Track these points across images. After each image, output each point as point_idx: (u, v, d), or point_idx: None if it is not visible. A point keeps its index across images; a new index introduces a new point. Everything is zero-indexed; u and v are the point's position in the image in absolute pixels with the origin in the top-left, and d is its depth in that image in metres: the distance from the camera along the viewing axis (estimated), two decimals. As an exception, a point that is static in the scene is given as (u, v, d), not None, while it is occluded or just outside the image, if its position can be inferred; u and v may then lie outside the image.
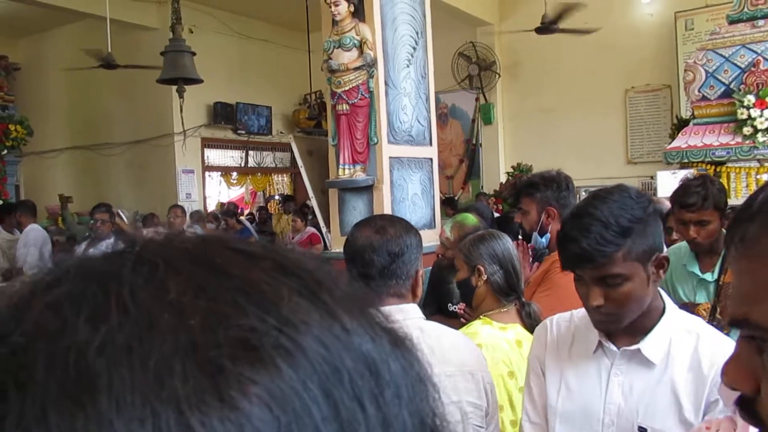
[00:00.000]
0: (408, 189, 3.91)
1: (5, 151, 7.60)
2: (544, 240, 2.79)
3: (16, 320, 0.29)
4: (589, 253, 1.30)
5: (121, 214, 6.58)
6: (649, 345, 1.37)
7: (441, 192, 6.07)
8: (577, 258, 1.34)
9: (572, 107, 8.99)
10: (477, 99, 9.93)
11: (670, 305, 1.43)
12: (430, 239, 3.92)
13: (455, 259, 2.35)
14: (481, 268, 2.19)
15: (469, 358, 1.70)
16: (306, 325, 0.31)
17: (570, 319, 1.57)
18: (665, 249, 1.48)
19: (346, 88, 3.74)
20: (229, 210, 8.77)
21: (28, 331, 0.28)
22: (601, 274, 1.31)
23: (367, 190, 3.77)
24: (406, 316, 1.63)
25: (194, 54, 6.18)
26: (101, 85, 8.94)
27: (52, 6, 8.07)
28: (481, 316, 2.20)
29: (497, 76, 9.61)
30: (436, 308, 3.07)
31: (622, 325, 1.37)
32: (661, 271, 1.36)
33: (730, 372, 0.62)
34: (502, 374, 1.99)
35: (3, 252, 6.34)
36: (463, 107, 10.20)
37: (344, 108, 3.75)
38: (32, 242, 6.21)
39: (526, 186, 2.78)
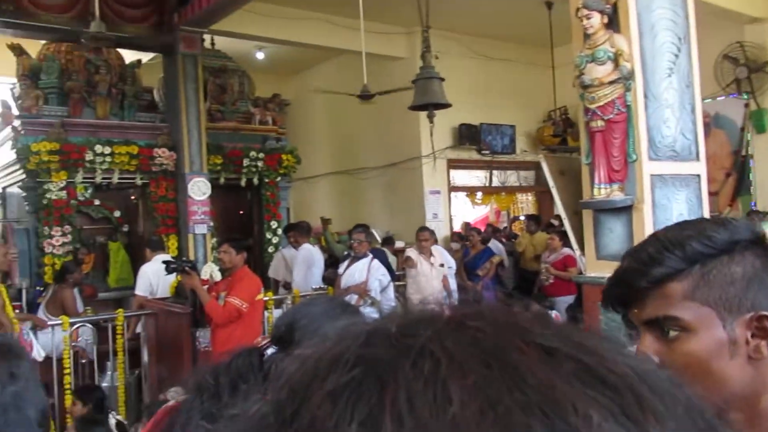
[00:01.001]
0: (672, 209, 3.58)
1: (279, 178, 8.55)
2: None
3: (295, 407, 0.29)
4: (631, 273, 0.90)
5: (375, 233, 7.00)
6: None
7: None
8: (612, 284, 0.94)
9: None
10: (747, 105, 8.85)
11: None
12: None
13: None
14: None
15: None
16: None
17: None
18: None
19: (601, 104, 3.56)
20: (485, 229, 8.90)
21: (304, 426, 0.28)
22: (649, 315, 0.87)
23: (625, 210, 3.53)
24: None
25: (443, 80, 6.39)
26: (357, 114, 9.68)
27: (316, 46, 8.97)
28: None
29: (772, 77, 8.48)
30: None
31: None
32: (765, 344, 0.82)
33: None
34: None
35: (287, 266, 7.13)
36: (729, 115, 9.15)
37: (599, 124, 3.56)
38: (301, 260, 6.87)
39: None
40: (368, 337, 0.32)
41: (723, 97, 8.92)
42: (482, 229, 9.25)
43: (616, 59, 3.53)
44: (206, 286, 5.04)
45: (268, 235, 8.47)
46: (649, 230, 3.48)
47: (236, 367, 1.13)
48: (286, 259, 7.26)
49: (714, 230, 0.86)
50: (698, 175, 3.73)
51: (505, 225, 11.08)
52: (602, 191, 3.57)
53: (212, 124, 8.09)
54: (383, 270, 6.04)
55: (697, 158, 3.73)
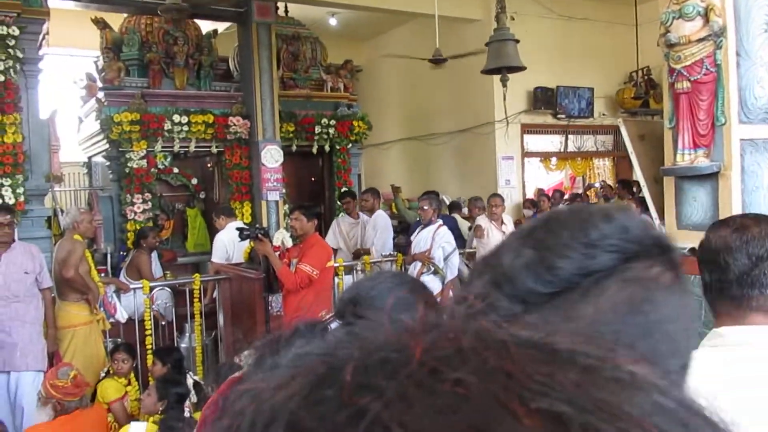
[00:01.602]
0: (763, 176, 3.33)
1: (350, 145, 8.56)
2: None
3: None
4: None
5: (446, 198, 6.90)
6: None
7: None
8: None
9: None
10: None
11: None
12: (793, 235, 3.31)
13: None
14: None
15: None
16: None
17: None
18: None
19: (688, 63, 3.32)
20: (554, 195, 8.63)
21: None
22: None
23: (710, 178, 3.31)
24: None
25: (517, 41, 6.18)
26: (428, 79, 9.53)
27: (388, 10, 8.84)
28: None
29: None
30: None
31: None
32: None
33: None
34: None
35: (345, 235, 7.14)
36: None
37: (685, 86, 3.34)
38: (380, 226, 6.89)
39: None
40: (313, 389, 0.26)
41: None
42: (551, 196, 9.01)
43: (706, 14, 3.28)
44: (278, 253, 5.13)
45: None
46: (737, 198, 3.27)
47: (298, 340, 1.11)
48: (341, 226, 7.24)
49: None
50: (794, 139, 3.46)
51: (579, 191, 10.69)
52: (686, 157, 3.36)
53: (285, 92, 8.15)
54: (448, 237, 5.97)
55: (794, 121, 3.46)
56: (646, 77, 9.68)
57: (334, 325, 1.23)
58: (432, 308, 0.30)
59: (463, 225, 7.68)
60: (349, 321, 1.24)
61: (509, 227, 6.99)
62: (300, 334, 1.18)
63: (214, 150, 7.56)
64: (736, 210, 3.26)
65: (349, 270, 6.64)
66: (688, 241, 3.42)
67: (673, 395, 0.26)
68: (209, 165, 8.04)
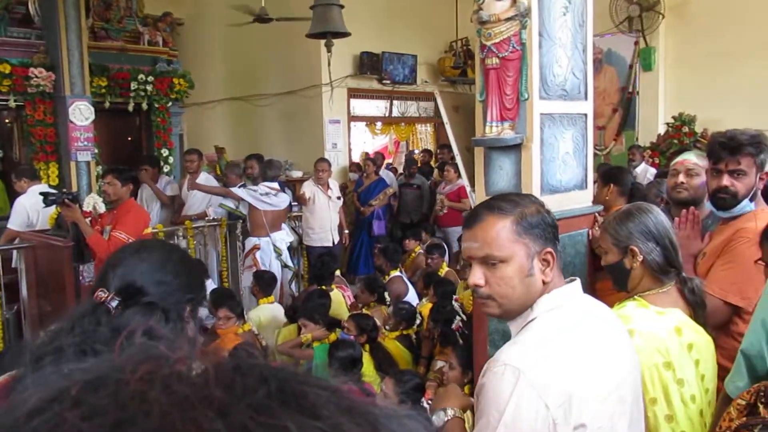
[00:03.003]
0: (559, 147, 3.67)
1: (170, 103, 8.12)
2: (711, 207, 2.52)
3: None
4: None
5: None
6: None
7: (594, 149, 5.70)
8: None
9: (749, 51, 8.04)
10: (636, 43, 9.19)
11: None
12: (581, 201, 3.71)
13: (600, 240, 2.15)
14: (635, 249, 1.99)
15: None
16: None
17: None
18: None
19: (497, 41, 3.54)
20: (375, 158, 8.82)
21: None
22: None
23: (515, 148, 3.59)
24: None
25: (342, 7, 6.18)
26: (255, 38, 9.27)
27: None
28: (636, 296, 2.01)
29: (661, 17, 8.80)
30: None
31: None
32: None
33: None
34: (657, 364, 1.81)
35: (147, 203, 6.89)
36: (621, 52, 9.49)
37: (494, 62, 3.55)
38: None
39: (751, 144, 2.39)
40: (30, 415, 0.31)
41: (610, 35, 9.19)
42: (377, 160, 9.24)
43: (513, -5, 3.50)
44: (89, 219, 4.78)
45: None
46: (536, 168, 3.58)
47: (81, 328, 1.05)
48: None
49: None
50: (585, 114, 3.83)
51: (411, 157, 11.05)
52: (494, 129, 3.60)
53: (96, 43, 7.51)
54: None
55: (586, 98, 3.83)
56: (464, 48, 10.18)
57: (114, 304, 1.18)
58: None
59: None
60: (130, 296, 1.19)
61: (335, 192, 7.10)
62: (72, 328, 1.11)
63: (13, 104, 6.81)
64: (536, 178, 3.57)
65: (170, 236, 6.38)
66: (495, 206, 3.71)
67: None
68: (7, 120, 7.23)
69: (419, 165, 9.45)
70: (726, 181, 2.42)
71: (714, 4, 8.39)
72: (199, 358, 0.36)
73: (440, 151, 9.85)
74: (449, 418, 1.71)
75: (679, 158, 3.23)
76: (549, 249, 1.50)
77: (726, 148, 2.43)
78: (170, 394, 0.32)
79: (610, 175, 4.10)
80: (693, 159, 2.99)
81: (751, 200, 2.43)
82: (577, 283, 1.56)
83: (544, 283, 1.49)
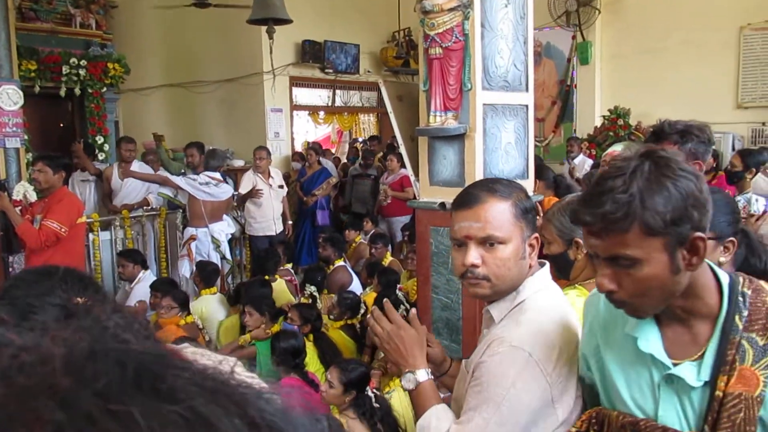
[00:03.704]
0: (501, 138, 3.73)
1: (105, 89, 7.85)
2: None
3: None
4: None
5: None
6: None
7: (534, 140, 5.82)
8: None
9: (679, 46, 8.35)
10: (574, 37, 9.41)
11: None
12: (522, 191, 3.76)
13: (543, 231, 2.19)
14: (579, 241, 2.04)
15: None
16: None
17: None
18: None
19: (440, 31, 3.56)
20: (315, 147, 8.76)
21: None
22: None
23: (458, 138, 3.62)
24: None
25: (284, -7, 6.10)
26: (194, 23, 9.04)
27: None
28: (577, 285, 2.07)
29: (597, 12, 9.04)
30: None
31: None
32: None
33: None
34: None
35: (78, 189, 6.64)
36: (559, 46, 9.70)
37: (437, 52, 3.57)
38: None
39: (676, 133, 2.48)
40: None
41: (549, 29, 9.39)
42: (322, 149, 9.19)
43: (456, -15, 3.52)
44: (19, 208, 4.59)
45: (94, 151, 7.83)
46: (479, 158, 3.62)
47: None
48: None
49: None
50: (526, 105, 3.90)
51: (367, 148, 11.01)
52: (437, 118, 3.63)
53: (24, 24, 7.18)
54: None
55: (527, 89, 3.89)
56: (407, 38, 10.19)
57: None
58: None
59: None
60: None
61: (276, 180, 7.02)
62: None
63: (-67, 87, 6.44)
64: (479, 168, 3.62)
65: (106, 225, 6.18)
66: (439, 196, 3.73)
67: None
68: (-73, 105, 6.83)
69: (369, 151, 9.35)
70: None
71: (641, 1, 8.67)
72: (50, 345, 0.35)
73: (371, 143, 9.88)
74: (421, 381, 1.58)
75: (608, 150, 3.36)
76: (536, 234, 1.57)
77: (652, 137, 2.55)
78: (9, 385, 0.31)
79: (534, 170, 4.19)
80: (619, 151, 3.10)
81: None
82: (548, 267, 1.63)
83: (530, 266, 1.56)
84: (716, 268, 1.28)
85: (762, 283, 1.27)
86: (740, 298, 1.22)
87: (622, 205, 1.11)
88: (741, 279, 1.26)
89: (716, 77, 8.18)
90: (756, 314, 1.20)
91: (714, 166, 6.47)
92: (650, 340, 1.26)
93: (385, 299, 1.73)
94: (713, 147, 2.58)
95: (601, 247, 1.18)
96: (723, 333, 1.20)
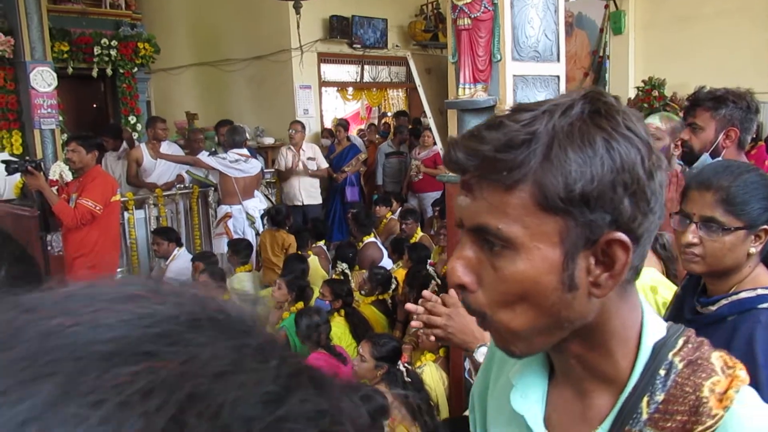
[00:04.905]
0: (532, 110, 3.67)
1: (135, 69, 7.92)
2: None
3: None
4: None
5: (246, 129, 6.76)
6: None
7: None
8: None
9: (715, 14, 8.08)
10: (606, 6, 9.18)
11: None
12: (554, 163, 3.71)
13: None
14: None
15: None
16: None
17: None
18: None
19: (468, 1, 3.50)
20: (343, 123, 8.75)
21: None
22: None
23: (488, 110, 3.57)
24: None
25: (310, -33, 6.05)
26: (221, 1, 9.04)
27: None
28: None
29: (631, -20, 8.80)
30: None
31: None
32: None
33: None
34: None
35: (112, 169, 6.71)
36: (591, 16, 9.48)
37: (466, 22, 3.51)
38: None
39: (711, 99, 2.43)
40: None
41: (585, -3, 9.18)
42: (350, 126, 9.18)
43: (485, -46, 3.45)
44: (56, 188, 4.68)
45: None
46: (509, 130, 3.57)
47: None
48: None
49: None
50: (558, 76, 3.82)
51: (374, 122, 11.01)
52: (467, 91, 3.58)
53: (55, 6, 7.26)
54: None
55: (558, 59, 3.81)
56: (435, 11, 10.06)
57: None
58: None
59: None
60: None
61: (307, 152, 7.10)
62: None
63: (-29, 71, 6.58)
64: (509, 141, 3.57)
65: (140, 204, 6.28)
66: (468, 169, 3.70)
67: None
68: (-35, 88, 6.98)
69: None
70: (685, 135, 2.49)
71: (683, -33, 8.41)
72: None
73: (397, 119, 9.67)
74: None
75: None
76: None
77: (688, 105, 2.51)
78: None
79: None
80: (656, 123, 3.01)
81: (713, 156, 2.47)
82: None
83: None
84: (649, 310, 0.84)
85: (712, 354, 0.78)
86: (661, 372, 0.77)
87: (516, 145, 0.69)
88: (680, 340, 0.79)
89: (754, 46, 7.91)
90: (674, 404, 0.75)
91: (754, 135, 6.30)
92: (529, 396, 0.86)
93: (424, 291, 1.68)
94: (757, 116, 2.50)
95: (467, 211, 0.74)
96: (618, 417, 0.78)
